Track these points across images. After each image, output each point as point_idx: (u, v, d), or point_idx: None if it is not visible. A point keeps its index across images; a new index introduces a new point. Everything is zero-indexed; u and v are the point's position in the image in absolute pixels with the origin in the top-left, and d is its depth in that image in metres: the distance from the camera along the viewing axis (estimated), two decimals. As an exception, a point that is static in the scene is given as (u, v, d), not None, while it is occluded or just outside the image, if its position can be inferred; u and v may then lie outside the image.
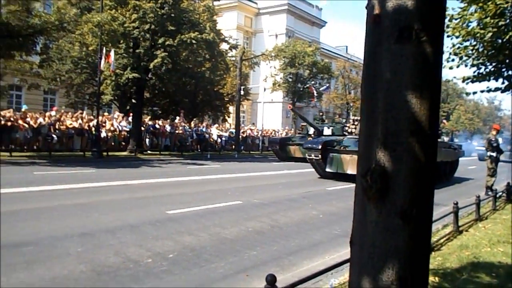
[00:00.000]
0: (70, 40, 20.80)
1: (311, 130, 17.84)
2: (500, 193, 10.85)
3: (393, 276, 1.34)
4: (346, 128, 15.85)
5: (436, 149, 1.42)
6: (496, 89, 9.30)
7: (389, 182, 1.35)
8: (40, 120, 18.25)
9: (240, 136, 29.30)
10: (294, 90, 38.06)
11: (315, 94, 37.43)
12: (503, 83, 9.14)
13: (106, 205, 7.89)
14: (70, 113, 21.44)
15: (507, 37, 7.97)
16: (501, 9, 7.87)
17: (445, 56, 9.16)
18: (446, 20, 8.68)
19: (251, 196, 9.78)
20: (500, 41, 8.41)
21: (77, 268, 4.35)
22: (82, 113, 22.19)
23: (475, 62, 9.10)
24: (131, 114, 22.85)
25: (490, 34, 8.21)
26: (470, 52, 9.07)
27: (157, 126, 24.00)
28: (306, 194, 10.75)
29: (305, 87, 38.40)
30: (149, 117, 26.21)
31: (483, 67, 9.20)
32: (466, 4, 8.64)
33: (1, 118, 17.13)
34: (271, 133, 34.99)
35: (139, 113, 22.54)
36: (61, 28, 17.63)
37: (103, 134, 20.20)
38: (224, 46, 28.05)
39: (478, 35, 8.52)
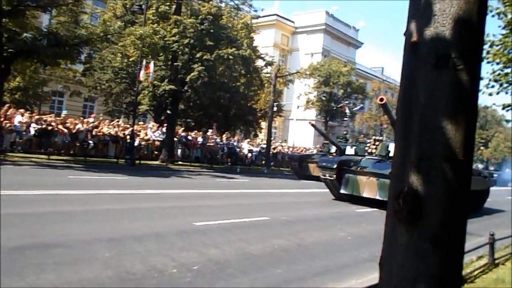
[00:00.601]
0: (113, 51, 21.66)
1: (333, 149, 17.19)
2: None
3: None
4: (366, 148, 14.72)
5: (470, 176, 1.40)
6: None
7: (421, 206, 1.33)
8: (79, 126, 18.92)
9: (271, 152, 29.30)
10: (327, 109, 37.89)
11: (348, 114, 37.10)
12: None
13: (135, 212, 8.04)
14: (107, 121, 22.16)
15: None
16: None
17: (484, 82, 8.91)
18: (487, 46, 8.47)
19: (278, 213, 9.72)
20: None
21: (103, 273, 4.43)
22: (118, 121, 22.89)
23: (516, 89, 8.79)
24: (165, 124, 23.35)
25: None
26: (510, 79, 8.78)
27: (189, 137, 24.38)
28: (335, 215, 10.58)
29: (338, 106, 38.18)
30: (182, 128, 26.68)
31: (525, 95, 8.87)
32: (508, 31, 8.41)
33: (43, 122, 17.88)
34: (302, 150, 34.84)
35: (173, 124, 22.99)
36: (105, 39, 18.39)
37: (137, 143, 20.69)
38: (260, 63, 28.38)
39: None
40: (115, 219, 7.14)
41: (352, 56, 53.69)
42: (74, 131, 18.55)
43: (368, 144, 14.86)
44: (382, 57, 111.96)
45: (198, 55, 21.57)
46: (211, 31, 21.88)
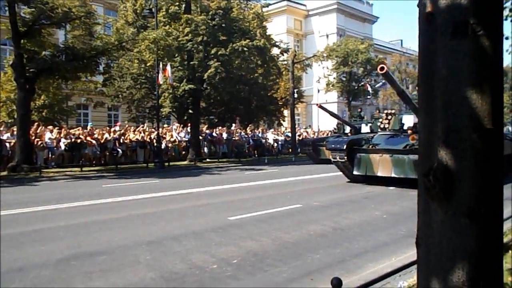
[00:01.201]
0: (129, 58, 21.99)
1: (348, 129, 16.19)
2: None
3: (464, 277, 1.29)
4: (379, 124, 13.70)
5: (502, 144, 1.36)
6: None
7: (453, 181, 1.31)
8: (106, 135, 19.37)
9: (296, 139, 29.20)
10: (348, 89, 37.37)
11: (371, 91, 36.48)
12: None
13: (170, 213, 8.20)
14: (132, 127, 22.58)
15: None
16: None
17: (509, 41, 8.55)
18: (509, 4, 8.12)
19: (311, 199, 9.71)
20: None
21: (147, 275, 4.55)
22: (143, 127, 23.29)
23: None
24: (189, 124, 23.60)
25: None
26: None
27: (214, 134, 24.57)
28: (368, 195, 10.48)
29: (360, 85, 37.57)
30: (206, 126, 26.92)
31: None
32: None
33: (72, 136, 18.39)
34: (328, 134, 34.55)
35: (197, 123, 23.21)
36: (120, 48, 18.69)
37: (163, 145, 21.02)
38: (275, 51, 28.22)
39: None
40: (152, 222, 7.31)
41: (369, 32, 52.60)
42: (102, 141, 19.01)
43: (380, 120, 14.06)
44: (400, 29, 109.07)
45: (213, 51, 21.62)
46: (223, 25, 21.87)
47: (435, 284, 1.35)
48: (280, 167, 19.92)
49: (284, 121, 33.39)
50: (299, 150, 28.27)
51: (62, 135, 18.23)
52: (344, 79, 37.52)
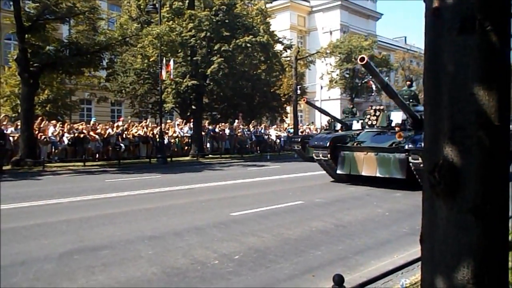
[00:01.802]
0: (133, 53, 21.98)
1: (339, 126, 15.59)
2: None
3: (469, 274, 1.28)
4: (366, 121, 13.00)
5: (509, 141, 1.34)
6: None
7: (459, 178, 1.30)
8: (109, 130, 19.40)
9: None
10: (351, 86, 37.29)
11: (374, 89, 36.37)
12: None
13: (173, 208, 8.22)
14: (135, 123, 22.60)
15: None
16: None
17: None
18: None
19: (313, 196, 9.71)
20: None
21: (149, 270, 4.56)
22: (146, 122, 23.32)
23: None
24: (191, 120, 23.60)
25: None
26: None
27: (217, 130, 24.57)
28: (370, 192, 10.47)
29: (363, 82, 37.46)
30: (208, 121, 26.92)
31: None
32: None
33: (75, 131, 18.43)
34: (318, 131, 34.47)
35: (199, 119, 23.21)
36: (124, 43, 18.70)
37: (166, 141, 21.04)
38: (278, 47, 28.14)
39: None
40: (154, 217, 7.33)
41: (373, 28, 52.36)
42: (105, 136, 19.04)
43: (368, 116, 13.31)
44: (404, 26, 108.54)
45: (216, 47, 21.58)
46: (226, 21, 21.81)
47: (439, 281, 1.34)
48: (282, 163, 19.91)
49: (286, 117, 33.35)
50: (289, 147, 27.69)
51: (65, 129, 18.27)
52: (347, 75, 37.44)
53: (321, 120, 35.07)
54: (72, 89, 24.25)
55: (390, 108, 15.05)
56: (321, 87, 37.47)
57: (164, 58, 19.69)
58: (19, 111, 18.12)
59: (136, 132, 20.62)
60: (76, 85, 24.01)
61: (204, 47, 21.93)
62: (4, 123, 17.35)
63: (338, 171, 11.64)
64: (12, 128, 17.20)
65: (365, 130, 12.48)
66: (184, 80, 21.53)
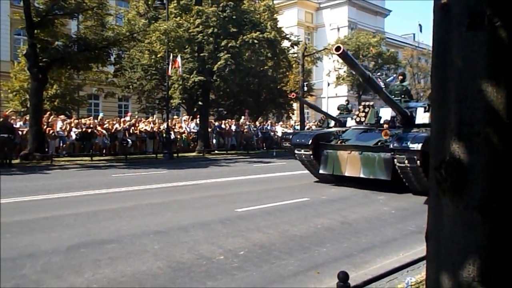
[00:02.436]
0: (140, 49, 22.05)
1: (332, 123, 14.98)
2: None
3: (475, 272, 1.27)
4: (355, 117, 12.33)
5: None
6: None
7: (466, 175, 1.29)
8: (116, 125, 19.50)
9: (306, 133, 29.04)
10: (358, 83, 37.07)
11: (382, 86, 36.16)
12: None
13: (178, 204, 8.25)
14: (142, 118, 22.69)
15: None
16: None
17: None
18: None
19: (319, 193, 9.69)
20: None
21: (155, 264, 4.59)
22: (153, 117, 23.40)
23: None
24: (198, 116, 23.64)
25: None
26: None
27: (223, 126, 24.60)
28: (376, 190, 10.42)
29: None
30: (215, 117, 26.94)
31: None
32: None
33: (83, 126, 18.55)
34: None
35: (206, 115, 23.25)
36: (131, 38, 18.76)
37: (173, 136, 21.11)
38: (285, 44, 28.06)
39: None
40: (160, 212, 7.37)
41: (381, 25, 52.05)
42: (112, 131, 19.15)
43: (356, 112, 12.60)
44: (413, 23, 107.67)
45: (223, 43, 21.57)
46: (234, 17, 21.78)
47: (445, 278, 1.34)
48: (288, 160, 19.83)
49: (293, 114, 33.31)
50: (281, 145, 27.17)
51: (73, 124, 18.39)
52: (354, 72, 37.25)
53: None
54: (80, 84, 24.38)
55: (365, 102, 13.70)
56: (328, 84, 37.34)
57: (171, 54, 19.72)
58: (28, 105, 18.26)
59: (143, 128, 20.71)
60: (84, 80, 24.14)
61: (211, 43, 21.93)
62: (13, 117, 17.52)
63: (321, 171, 10.91)
64: (21, 123, 17.35)
65: (352, 127, 11.82)
66: (191, 76, 21.56)
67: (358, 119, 11.98)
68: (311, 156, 10.99)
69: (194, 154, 21.55)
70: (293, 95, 13.76)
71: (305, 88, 30.81)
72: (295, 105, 33.13)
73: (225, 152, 22.74)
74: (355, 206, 8.19)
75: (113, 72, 23.80)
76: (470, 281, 1.28)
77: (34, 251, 4.94)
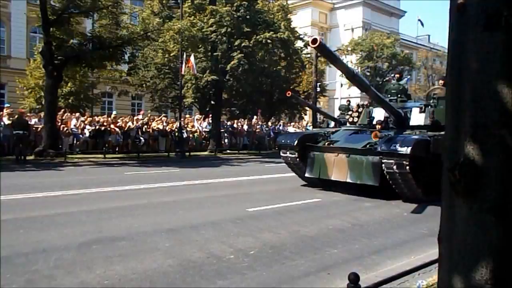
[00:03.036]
0: (154, 47, 22.20)
1: (332, 123, 14.37)
2: None
3: (488, 275, 1.26)
4: (347, 117, 11.60)
5: None
6: None
7: (480, 177, 1.27)
8: (129, 124, 19.67)
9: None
10: (372, 84, 36.83)
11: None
12: None
13: (190, 203, 8.29)
14: (155, 117, 22.86)
15: None
16: None
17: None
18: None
19: (330, 193, 9.64)
20: None
21: (166, 262, 4.62)
22: (166, 116, 23.55)
23: None
24: (210, 115, 23.72)
25: None
26: None
27: (235, 126, 24.64)
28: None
29: (384, 80, 36.92)
30: (227, 117, 27.00)
31: None
32: None
33: (96, 124, 18.75)
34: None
35: (218, 114, 23.31)
36: (145, 37, 18.90)
37: (185, 135, 21.22)
38: (299, 44, 27.99)
39: None
40: (171, 210, 7.41)
41: (395, 26, 51.57)
42: (125, 129, 19.32)
43: (350, 112, 11.84)
44: (428, 24, 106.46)
45: (236, 43, 21.61)
46: (248, 17, 21.80)
47: (457, 281, 1.32)
48: (300, 160, 19.78)
49: (305, 114, 33.19)
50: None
51: (87, 122, 18.61)
52: (368, 73, 36.98)
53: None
54: (94, 82, 24.66)
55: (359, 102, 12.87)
56: (341, 85, 37.09)
57: (184, 53, 19.82)
58: (43, 103, 18.52)
59: (155, 126, 20.85)
60: (98, 78, 24.42)
61: (225, 43, 21.98)
62: (29, 114, 17.79)
63: (307, 174, 10.24)
64: (36, 120, 17.61)
65: (343, 128, 11.19)
66: (204, 75, 21.65)
67: (351, 119, 11.48)
68: (297, 158, 10.35)
69: (206, 153, 21.64)
70: (288, 93, 13.39)
71: (318, 89, 30.68)
72: (308, 106, 33.01)
73: (237, 151, 22.77)
74: (367, 208, 8.14)
75: (127, 70, 24.03)
76: (483, 283, 1.27)
77: (47, 247, 5.01)
